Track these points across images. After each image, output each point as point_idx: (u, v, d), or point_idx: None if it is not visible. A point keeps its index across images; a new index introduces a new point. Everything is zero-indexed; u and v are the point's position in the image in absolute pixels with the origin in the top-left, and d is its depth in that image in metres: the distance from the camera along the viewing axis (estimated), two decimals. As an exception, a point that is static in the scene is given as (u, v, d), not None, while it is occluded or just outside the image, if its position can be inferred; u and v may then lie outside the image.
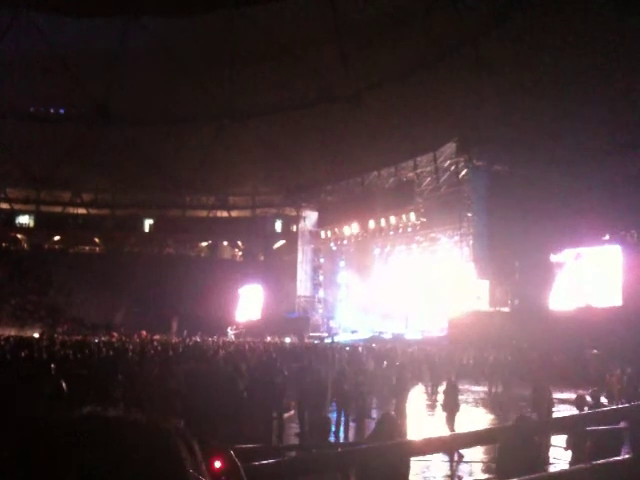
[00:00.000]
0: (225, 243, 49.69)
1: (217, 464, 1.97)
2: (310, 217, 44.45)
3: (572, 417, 8.34)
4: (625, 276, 23.77)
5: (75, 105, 38.12)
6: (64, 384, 6.93)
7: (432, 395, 18.54)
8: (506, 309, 27.50)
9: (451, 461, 9.68)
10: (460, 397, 12.60)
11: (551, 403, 11.70)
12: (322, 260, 43.30)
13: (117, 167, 41.24)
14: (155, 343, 26.44)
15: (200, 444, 1.28)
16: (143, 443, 1.17)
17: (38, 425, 1.18)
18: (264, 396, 11.23)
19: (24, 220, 48.84)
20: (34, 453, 1.12)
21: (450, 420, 11.59)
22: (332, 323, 39.46)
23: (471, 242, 32.48)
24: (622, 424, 6.74)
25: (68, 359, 14.80)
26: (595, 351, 20.81)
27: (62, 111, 40.26)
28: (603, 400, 11.43)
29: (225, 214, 48.51)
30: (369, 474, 5.45)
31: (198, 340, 32.28)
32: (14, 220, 48.47)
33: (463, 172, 33.08)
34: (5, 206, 47.94)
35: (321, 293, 43.05)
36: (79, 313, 37.71)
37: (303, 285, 43.52)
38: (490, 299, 29.68)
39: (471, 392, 19.12)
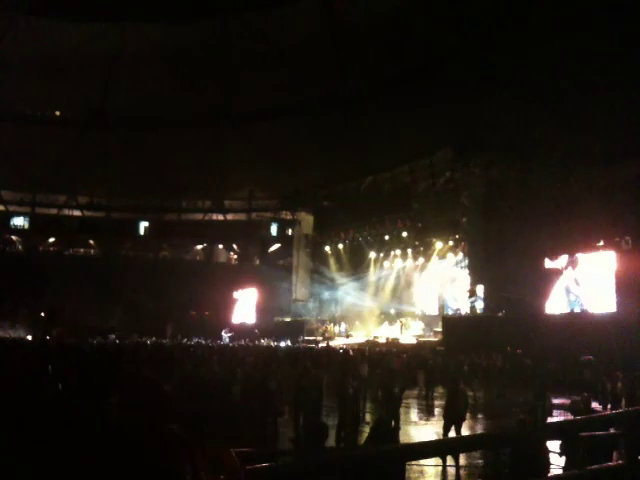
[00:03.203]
0: (220, 247, 49.58)
1: (218, 464, 2.00)
2: (306, 221, 44.43)
3: (566, 423, 8.38)
4: (619, 282, 23.84)
5: (72, 108, 38.10)
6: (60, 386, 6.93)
7: (426, 400, 18.58)
8: (501, 314, 27.53)
9: (445, 466, 9.69)
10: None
11: (548, 409, 11.73)
12: (317, 264, 43.26)
13: (113, 170, 41.15)
14: (150, 347, 26.40)
15: (201, 446, 1.31)
16: (142, 446, 1.19)
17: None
18: (259, 400, 11.24)
19: (19, 222, 48.65)
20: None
21: (450, 428, 11.58)
22: (326, 327, 39.42)
23: (466, 247, 32.55)
24: (615, 430, 6.77)
25: (62, 362, 14.75)
26: (590, 357, 20.86)
27: (58, 114, 40.21)
28: (595, 405, 11.47)
29: (221, 218, 48.43)
30: (364, 479, 5.47)
31: (193, 344, 32.26)
32: (9, 222, 48.28)
33: (459, 178, 33.13)
34: (0, 208, 47.78)
35: (316, 297, 43.00)
36: (74, 316, 37.56)
37: (298, 289, 43.48)
38: (485, 304, 29.75)
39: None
